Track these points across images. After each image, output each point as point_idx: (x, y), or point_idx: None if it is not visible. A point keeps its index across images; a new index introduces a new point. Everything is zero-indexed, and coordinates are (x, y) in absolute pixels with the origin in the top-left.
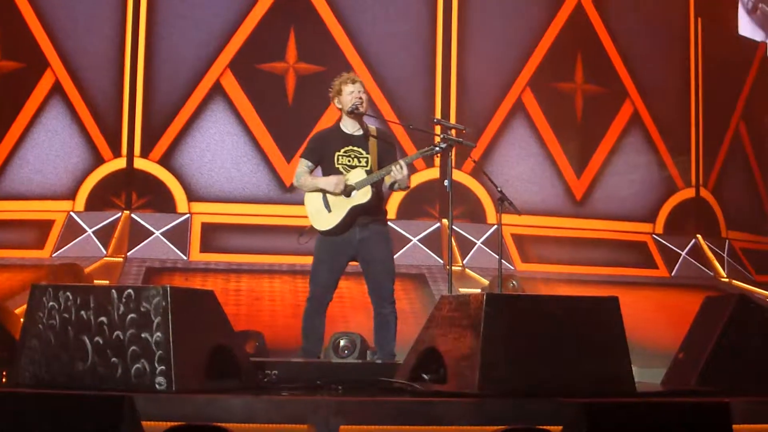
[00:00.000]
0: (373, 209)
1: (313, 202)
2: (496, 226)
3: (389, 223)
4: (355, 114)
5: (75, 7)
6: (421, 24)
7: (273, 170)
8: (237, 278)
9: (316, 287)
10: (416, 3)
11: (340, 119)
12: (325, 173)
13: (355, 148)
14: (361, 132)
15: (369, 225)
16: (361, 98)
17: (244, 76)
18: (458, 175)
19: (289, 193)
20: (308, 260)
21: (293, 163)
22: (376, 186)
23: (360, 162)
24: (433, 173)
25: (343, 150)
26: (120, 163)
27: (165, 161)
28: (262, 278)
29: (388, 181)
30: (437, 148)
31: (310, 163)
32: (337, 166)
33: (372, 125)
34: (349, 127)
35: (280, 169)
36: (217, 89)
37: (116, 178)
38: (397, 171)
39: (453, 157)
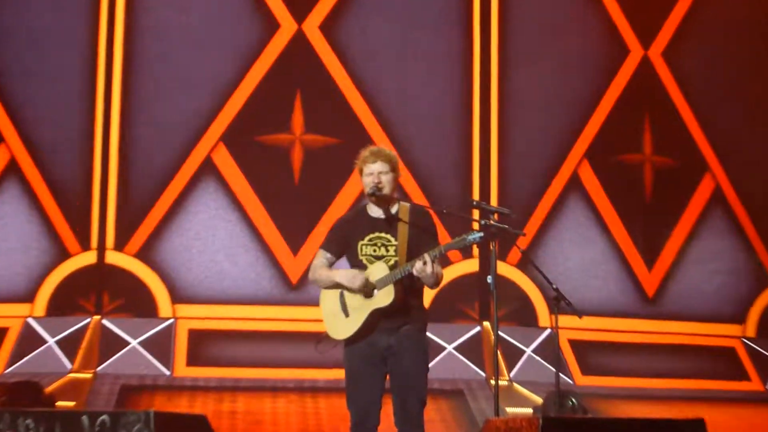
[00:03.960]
0: (402, 311)
1: (328, 302)
2: (550, 331)
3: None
4: (377, 197)
5: (32, 66)
6: (454, 85)
7: (276, 264)
8: (232, 398)
9: (356, 410)
10: (448, 60)
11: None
12: (351, 267)
13: (382, 235)
14: (389, 213)
15: (399, 329)
16: (380, 180)
17: (241, 150)
18: (503, 269)
19: (297, 292)
20: (320, 374)
21: (301, 256)
22: (404, 282)
23: (387, 251)
24: (472, 266)
25: (367, 238)
26: (89, 258)
27: (144, 254)
28: (264, 397)
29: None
30: (472, 237)
31: (329, 255)
32: (360, 257)
33: (406, 203)
34: (374, 209)
35: (284, 262)
36: (208, 166)
37: (84, 275)
38: (420, 267)
39: (496, 246)
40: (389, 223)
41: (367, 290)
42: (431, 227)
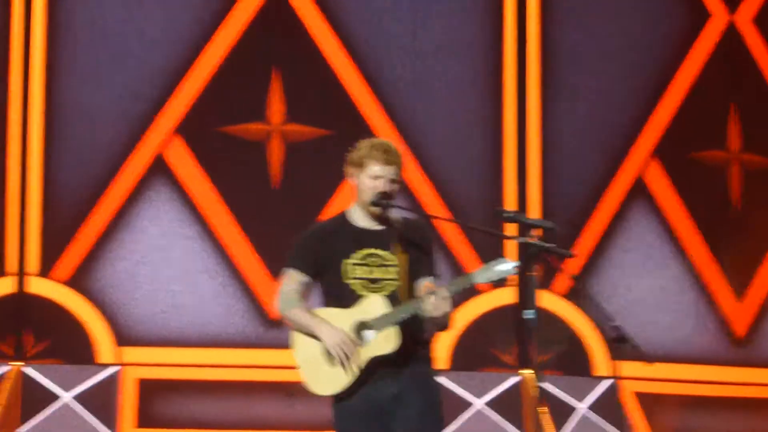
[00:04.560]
0: (406, 353)
1: (304, 345)
2: (611, 382)
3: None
4: (383, 208)
5: None
6: (480, 62)
7: (250, 294)
8: None
9: None
10: (472, 29)
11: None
12: (329, 295)
13: (376, 252)
14: (379, 226)
15: (404, 371)
16: (392, 191)
17: (202, 145)
18: (548, 301)
19: (276, 330)
20: None
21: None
22: (410, 322)
23: (387, 274)
24: (506, 297)
25: (357, 256)
26: (5, 286)
27: (77, 282)
28: None
29: None
30: (502, 268)
31: (306, 279)
32: (347, 281)
33: (396, 214)
34: (362, 217)
35: (261, 291)
36: (159, 167)
37: (0, 309)
38: (431, 305)
39: (538, 272)
40: (381, 237)
41: (361, 329)
42: (431, 243)
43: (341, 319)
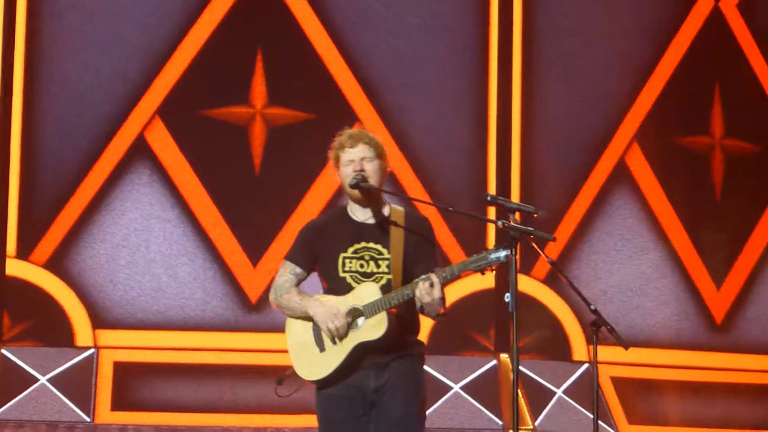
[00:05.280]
0: (394, 343)
1: (297, 331)
2: (587, 366)
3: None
4: (361, 191)
5: None
6: (465, 47)
7: (230, 277)
8: None
9: None
10: (457, 14)
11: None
12: (328, 288)
13: (371, 246)
14: (378, 217)
15: (390, 364)
16: (363, 169)
17: (183, 127)
18: (527, 285)
19: (257, 314)
20: (286, 421)
21: (263, 268)
22: (399, 308)
23: (378, 267)
24: (486, 281)
25: (351, 249)
26: None
27: (56, 265)
28: None
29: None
30: (496, 256)
31: (298, 269)
32: (342, 274)
33: (399, 207)
34: (359, 210)
35: (241, 275)
36: (140, 149)
37: None
38: (424, 291)
39: (518, 256)
40: (378, 231)
41: (351, 316)
42: (431, 239)
43: (334, 304)
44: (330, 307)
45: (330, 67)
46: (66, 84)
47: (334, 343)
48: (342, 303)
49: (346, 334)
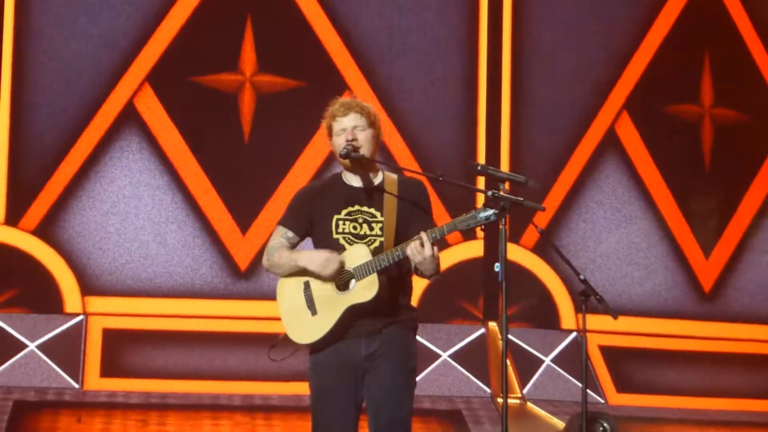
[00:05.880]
0: (386, 308)
1: (289, 295)
2: (576, 335)
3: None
4: (352, 161)
5: None
6: (455, 16)
7: (219, 245)
8: (161, 418)
9: None
10: None
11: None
12: (320, 249)
13: (364, 209)
14: (372, 183)
15: (382, 331)
16: (355, 137)
17: (173, 94)
18: (515, 253)
19: (246, 282)
20: (275, 388)
21: (252, 235)
22: (390, 271)
23: (371, 230)
24: (475, 250)
25: (345, 212)
26: None
27: (44, 231)
28: (202, 418)
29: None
30: (484, 215)
31: (290, 233)
32: (335, 236)
33: (392, 173)
34: (354, 178)
35: (230, 242)
36: (130, 116)
37: None
38: (415, 250)
39: (507, 224)
40: (372, 195)
41: (343, 279)
42: (425, 202)
43: (324, 251)
44: (320, 252)
45: (320, 34)
46: (54, 52)
47: (320, 308)
48: None
49: (342, 274)
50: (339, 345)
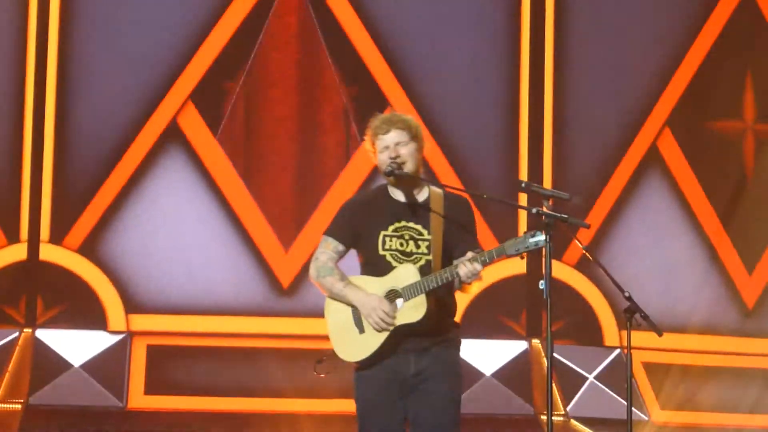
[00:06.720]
0: (434, 326)
1: (336, 312)
2: (619, 351)
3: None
4: (396, 178)
5: None
6: (497, 31)
7: (262, 261)
8: None
9: None
10: (490, 3)
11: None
12: (366, 264)
13: (411, 225)
14: (417, 199)
15: (431, 349)
16: (399, 154)
17: (216, 112)
18: (559, 270)
19: (289, 299)
20: (321, 405)
21: (295, 252)
22: (437, 291)
23: (418, 247)
24: (517, 266)
25: (392, 228)
26: (17, 253)
27: (89, 249)
28: None
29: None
30: (535, 240)
31: (340, 246)
32: (382, 252)
33: (437, 189)
34: (401, 192)
35: (273, 260)
36: (173, 134)
37: (11, 275)
38: (465, 270)
39: (551, 242)
40: (417, 211)
41: (390, 298)
42: (471, 221)
43: (374, 286)
44: (372, 297)
45: (364, 56)
46: (99, 70)
47: (368, 327)
48: (380, 286)
49: (392, 324)
50: (388, 360)
